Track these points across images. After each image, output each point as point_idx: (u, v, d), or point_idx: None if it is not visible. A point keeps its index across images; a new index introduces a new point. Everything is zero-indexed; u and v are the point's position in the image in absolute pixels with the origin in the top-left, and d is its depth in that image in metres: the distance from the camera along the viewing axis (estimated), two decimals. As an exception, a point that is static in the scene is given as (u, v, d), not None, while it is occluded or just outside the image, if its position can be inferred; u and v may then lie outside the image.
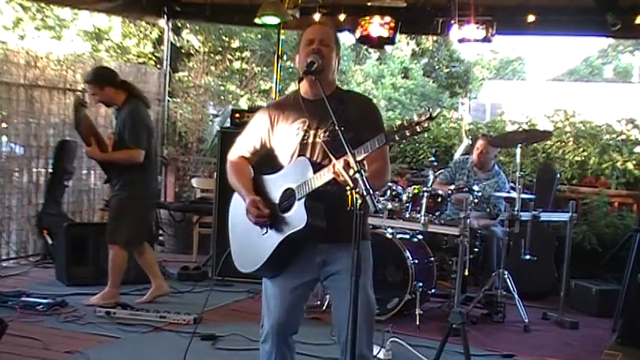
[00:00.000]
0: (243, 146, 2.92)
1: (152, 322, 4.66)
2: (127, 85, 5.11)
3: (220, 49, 13.81)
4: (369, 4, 6.74)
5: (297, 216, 2.63)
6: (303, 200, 2.61)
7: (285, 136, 2.79)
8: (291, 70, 13.39)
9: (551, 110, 7.77)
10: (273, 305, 2.82)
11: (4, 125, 6.61)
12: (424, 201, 5.08)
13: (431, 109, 2.38)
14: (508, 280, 5.23)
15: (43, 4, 11.90)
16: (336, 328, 2.79)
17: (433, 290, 5.27)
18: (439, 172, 5.86)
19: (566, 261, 5.31)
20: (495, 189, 5.64)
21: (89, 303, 4.97)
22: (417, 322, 4.84)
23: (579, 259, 5.85)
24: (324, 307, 5.03)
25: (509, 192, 5.47)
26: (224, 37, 13.85)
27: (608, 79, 29.31)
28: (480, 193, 5.23)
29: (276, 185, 2.76)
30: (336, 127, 2.51)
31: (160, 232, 7.62)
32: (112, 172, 5.02)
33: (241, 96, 13.24)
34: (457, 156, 6.50)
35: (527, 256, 5.33)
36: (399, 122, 2.43)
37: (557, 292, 5.50)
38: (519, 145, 5.27)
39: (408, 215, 5.19)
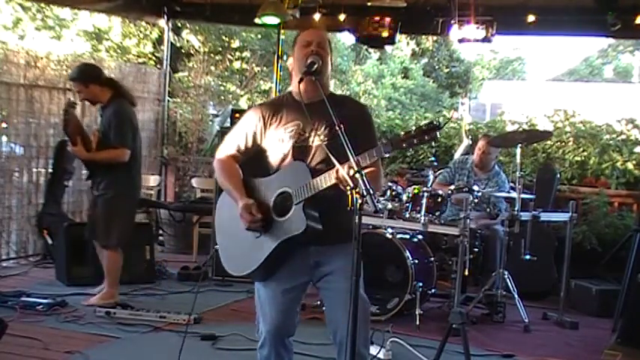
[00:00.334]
0: (233, 144, 2.87)
1: (152, 322, 4.66)
2: (113, 82, 5.10)
3: (220, 49, 13.80)
4: (369, 4, 6.74)
5: (295, 220, 2.61)
6: (301, 204, 2.60)
7: (278, 137, 2.77)
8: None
9: (551, 110, 7.77)
10: (268, 310, 2.80)
11: (4, 125, 6.61)
12: (424, 201, 5.08)
13: (440, 120, 2.39)
14: (508, 280, 5.23)
15: (42, 4, 11.89)
16: (331, 328, 2.77)
17: (433, 290, 5.27)
18: (439, 172, 5.86)
19: (566, 261, 5.31)
20: (494, 189, 5.64)
21: (89, 303, 4.97)
22: (417, 322, 4.84)
23: (579, 259, 5.85)
24: (324, 307, 5.02)
25: (509, 192, 5.47)
26: (224, 37, 13.85)
27: (608, 79, 29.30)
28: (479, 193, 5.23)
29: (269, 188, 2.74)
30: (337, 128, 2.50)
31: (160, 232, 7.63)
32: (97, 171, 5.00)
33: (241, 96, 13.25)
34: (457, 156, 6.50)
35: (527, 256, 5.32)
36: (403, 132, 2.45)
37: (557, 292, 5.50)
38: (519, 145, 5.26)
39: (408, 215, 5.19)
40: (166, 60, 8.52)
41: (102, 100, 4.97)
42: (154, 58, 12.49)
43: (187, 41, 12.72)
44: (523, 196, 5.14)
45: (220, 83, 12.88)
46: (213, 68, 11.93)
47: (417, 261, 4.99)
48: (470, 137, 6.70)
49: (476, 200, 5.19)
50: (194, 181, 7.93)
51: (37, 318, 4.63)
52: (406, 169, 7.44)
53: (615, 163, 6.98)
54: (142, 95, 8.22)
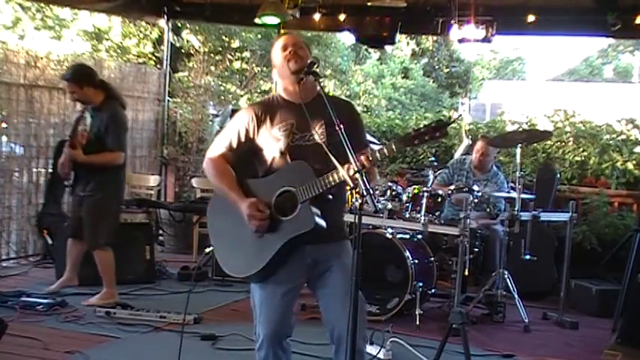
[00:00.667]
0: (224, 143, 2.86)
1: (152, 322, 4.66)
2: (105, 85, 5.15)
3: (220, 49, 13.79)
4: (369, 4, 6.73)
5: (303, 218, 2.64)
6: (307, 203, 2.63)
7: (272, 136, 2.78)
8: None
9: (551, 110, 7.76)
10: (266, 312, 2.80)
11: (4, 125, 6.61)
12: (424, 201, 5.08)
13: (450, 115, 2.47)
14: (508, 280, 5.23)
15: (42, 4, 11.89)
16: (328, 325, 2.78)
17: (433, 290, 5.27)
18: (438, 172, 5.86)
19: (566, 261, 5.31)
20: (494, 189, 5.64)
21: (88, 304, 4.97)
22: (417, 322, 4.84)
23: (579, 259, 5.85)
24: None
25: (509, 192, 5.47)
26: (224, 37, 13.83)
27: (608, 79, 29.31)
28: (479, 194, 5.23)
29: (269, 188, 2.74)
30: (337, 128, 2.54)
31: (160, 232, 7.63)
32: (85, 173, 5.00)
33: (241, 96, 13.23)
34: (457, 156, 6.50)
35: (527, 256, 5.32)
36: (412, 129, 2.55)
37: (557, 292, 5.50)
38: (519, 145, 5.26)
39: (408, 215, 5.19)
40: (166, 60, 8.52)
41: (95, 102, 4.98)
42: (154, 58, 12.48)
43: (187, 41, 12.71)
44: (523, 196, 5.15)
45: (220, 83, 12.87)
46: (213, 68, 11.92)
47: (417, 261, 4.99)
48: (470, 137, 6.70)
49: (476, 200, 5.19)
50: (194, 181, 7.92)
51: (37, 318, 4.63)
52: (406, 169, 7.44)
53: (615, 163, 6.98)
54: (142, 95, 8.23)
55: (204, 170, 2.97)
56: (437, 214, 5.18)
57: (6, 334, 3.78)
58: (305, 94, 2.76)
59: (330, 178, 2.58)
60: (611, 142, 7.20)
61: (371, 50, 19.81)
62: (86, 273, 5.45)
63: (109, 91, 5.07)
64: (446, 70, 23.23)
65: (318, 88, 2.73)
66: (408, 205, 5.19)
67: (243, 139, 2.83)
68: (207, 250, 3.58)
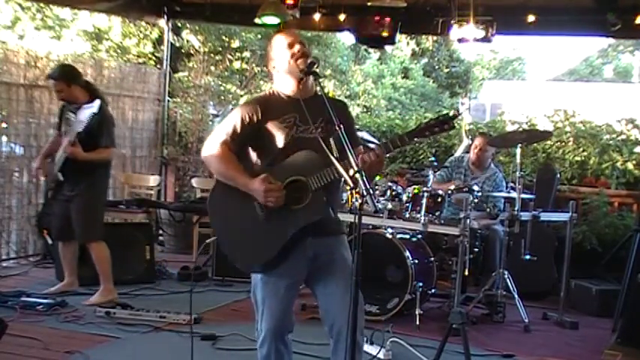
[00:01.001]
0: (226, 135, 2.82)
1: (152, 322, 4.66)
2: (90, 84, 5.28)
3: (220, 49, 13.77)
4: (369, 4, 6.73)
5: (314, 206, 2.69)
6: (320, 191, 2.67)
7: (275, 127, 2.79)
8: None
9: (551, 110, 7.76)
10: (269, 306, 2.81)
11: (4, 125, 6.61)
12: (424, 201, 5.08)
13: (457, 109, 2.53)
14: (508, 280, 5.23)
15: (42, 4, 11.88)
16: (327, 319, 2.79)
17: (433, 290, 5.27)
18: (437, 172, 5.86)
19: (566, 261, 5.31)
20: (493, 187, 5.65)
21: (89, 303, 4.98)
22: (417, 322, 4.84)
23: (579, 259, 5.85)
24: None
25: (508, 192, 5.47)
26: (224, 37, 13.81)
27: (608, 79, 29.30)
28: (479, 193, 5.23)
29: (277, 178, 2.73)
30: (337, 128, 2.57)
31: (160, 232, 7.63)
32: (75, 172, 5.01)
33: (241, 96, 13.21)
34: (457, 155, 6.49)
35: (527, 256, 5.33)
36: (421, 123, 2.65)
37: (557, 292, 5.50)
38: (519, 145, 5.27)
39: (408, 215, 5.19)
40: (166, 60, 8.52)
41: (80, 101, 5.02)
42: (154, 58, 12.47)
43: (187, 41, 12.70)
44: (523, 196, 5.15)
45: (220, 83, 12.86)
46: (213, 68, 11.91)
47: (417, 261, 4.99)
48: (470, 137, 6.70)
49: (476, 200, 5.19)
50: (194, 181, 7.92)
51: (37, 318, 4.63)
52: (406, 169, 7.43)
53: (615, 163, 6.98)
54: (142, 95, 8.23)
55: (206, 161, 2.93)
56: (437, 214, 5.18)
57: (6, 334, 3.78)
58: (304, 92, 2.83)
59: (341, 168, 2.61)
60: (611, 142, 7.20)
61: (371, 50, 19.81)
62: (84, 273, 5.46)
63: (94, 91, 5.17)
64: (446, 70, 23.23)
65: (318, 88, 2.76)
66: (408, 205, 5.19)
67: (246, 128, 2.81)
68: (208, 240, 3.59)
